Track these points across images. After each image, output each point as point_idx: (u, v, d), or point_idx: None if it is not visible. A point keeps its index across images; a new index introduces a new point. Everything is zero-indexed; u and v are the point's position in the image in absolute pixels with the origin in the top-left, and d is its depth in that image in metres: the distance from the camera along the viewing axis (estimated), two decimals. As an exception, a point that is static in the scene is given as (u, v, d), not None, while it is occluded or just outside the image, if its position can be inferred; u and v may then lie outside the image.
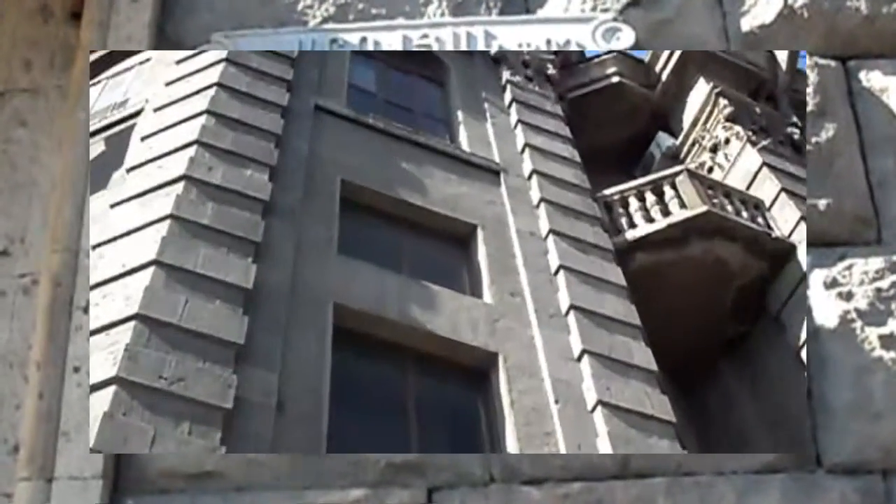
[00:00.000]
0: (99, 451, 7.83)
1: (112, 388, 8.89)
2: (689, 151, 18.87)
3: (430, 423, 11.05)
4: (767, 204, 16.05)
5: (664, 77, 20.09)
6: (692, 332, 15.21)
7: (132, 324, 9.65)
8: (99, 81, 17.71)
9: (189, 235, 11.17)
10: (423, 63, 18.40)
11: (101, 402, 8.76)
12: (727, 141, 18.11)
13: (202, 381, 9.40)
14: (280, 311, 10.97)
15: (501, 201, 14.86)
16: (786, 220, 15.57)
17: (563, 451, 10.49)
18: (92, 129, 15.12)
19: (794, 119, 18.45)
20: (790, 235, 15.29)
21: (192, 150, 12.62)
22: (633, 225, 15.57)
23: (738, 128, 18.00)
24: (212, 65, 14.71)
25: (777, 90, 19.28)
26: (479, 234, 13.88)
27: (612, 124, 19.90)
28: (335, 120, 15.10)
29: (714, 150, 18.31)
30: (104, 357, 9.27)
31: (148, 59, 17.10)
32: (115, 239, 11.30)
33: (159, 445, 8.57)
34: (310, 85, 15.57)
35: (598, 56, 20.65)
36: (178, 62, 15.18)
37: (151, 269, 10.44)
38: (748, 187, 16.60)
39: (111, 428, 8.48)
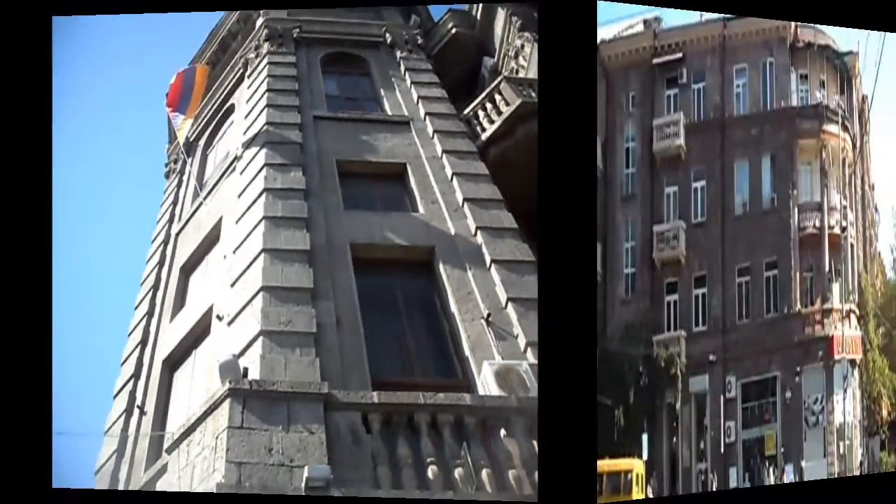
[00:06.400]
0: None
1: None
2: (503, 64, 19.45)
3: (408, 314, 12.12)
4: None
5: (478, 17, 20.85)
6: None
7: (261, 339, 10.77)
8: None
9: (274, 226, 12.94)
10: (355, 64, 19.50)
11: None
12: (523, 46, 18.64)
13: (300, 319, 10.87)
14: (326, 258, 12.21)
15: (413, 141, 16.21)
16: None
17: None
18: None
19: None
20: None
21: (264, 171, 14.75)
22: (483, 129, 16.59)
23: (527, 34, 18.52)
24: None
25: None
26: (408, 168, 15.36)
27: (459, 62, 20.78)
28: (324, 121, 16.77)
29: (516, 56, 18.84)
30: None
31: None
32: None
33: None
34: (309, 104, 17.24)
35: (441, 18, 21.17)
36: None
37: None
38: (547, 75, 17.35)
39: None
